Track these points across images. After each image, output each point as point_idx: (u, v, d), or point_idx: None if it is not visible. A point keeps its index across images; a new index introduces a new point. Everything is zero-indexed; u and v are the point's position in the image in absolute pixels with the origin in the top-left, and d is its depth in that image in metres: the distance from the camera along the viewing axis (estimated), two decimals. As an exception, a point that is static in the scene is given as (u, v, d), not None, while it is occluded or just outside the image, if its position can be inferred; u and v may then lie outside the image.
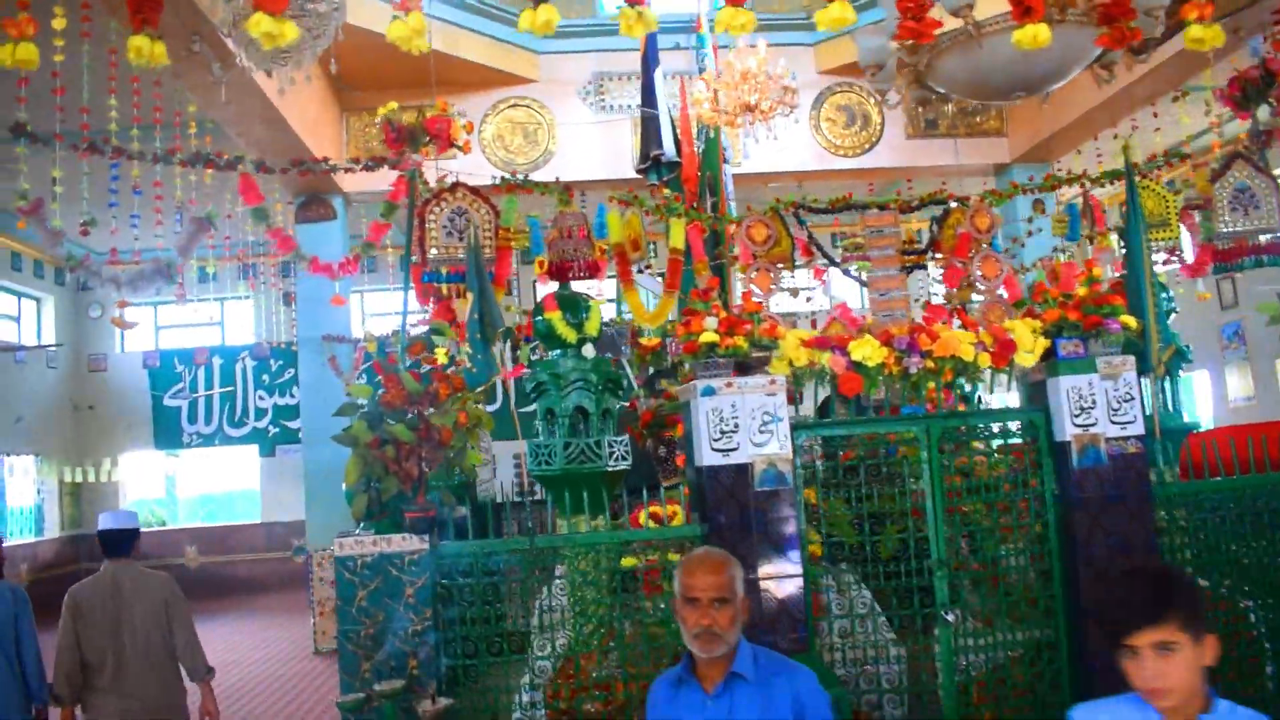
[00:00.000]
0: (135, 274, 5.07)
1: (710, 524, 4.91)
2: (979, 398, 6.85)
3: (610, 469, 5.67)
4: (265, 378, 16.20)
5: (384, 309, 16.27)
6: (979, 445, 5.59)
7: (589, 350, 5.43)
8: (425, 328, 5.39)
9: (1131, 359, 5.33)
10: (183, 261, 5.17)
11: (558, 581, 5.30)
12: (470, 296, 5.00)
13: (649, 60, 9.57)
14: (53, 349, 16.01)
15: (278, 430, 16.14)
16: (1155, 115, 10.54)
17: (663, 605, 5.34)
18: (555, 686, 4.90)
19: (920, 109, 12.50)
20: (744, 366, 4.98)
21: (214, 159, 4.98)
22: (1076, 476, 5.17)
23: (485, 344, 4.96)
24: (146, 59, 3.64)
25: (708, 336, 4.81)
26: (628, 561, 5.44)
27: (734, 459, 4.86)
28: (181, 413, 15.86)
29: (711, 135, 8.32)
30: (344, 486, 4.78)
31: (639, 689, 4.70)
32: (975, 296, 5.86)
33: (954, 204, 5.82)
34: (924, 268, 5.71)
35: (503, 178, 5.55)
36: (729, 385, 4.89)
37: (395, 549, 4.66)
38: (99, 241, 6.48)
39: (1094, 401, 5.24)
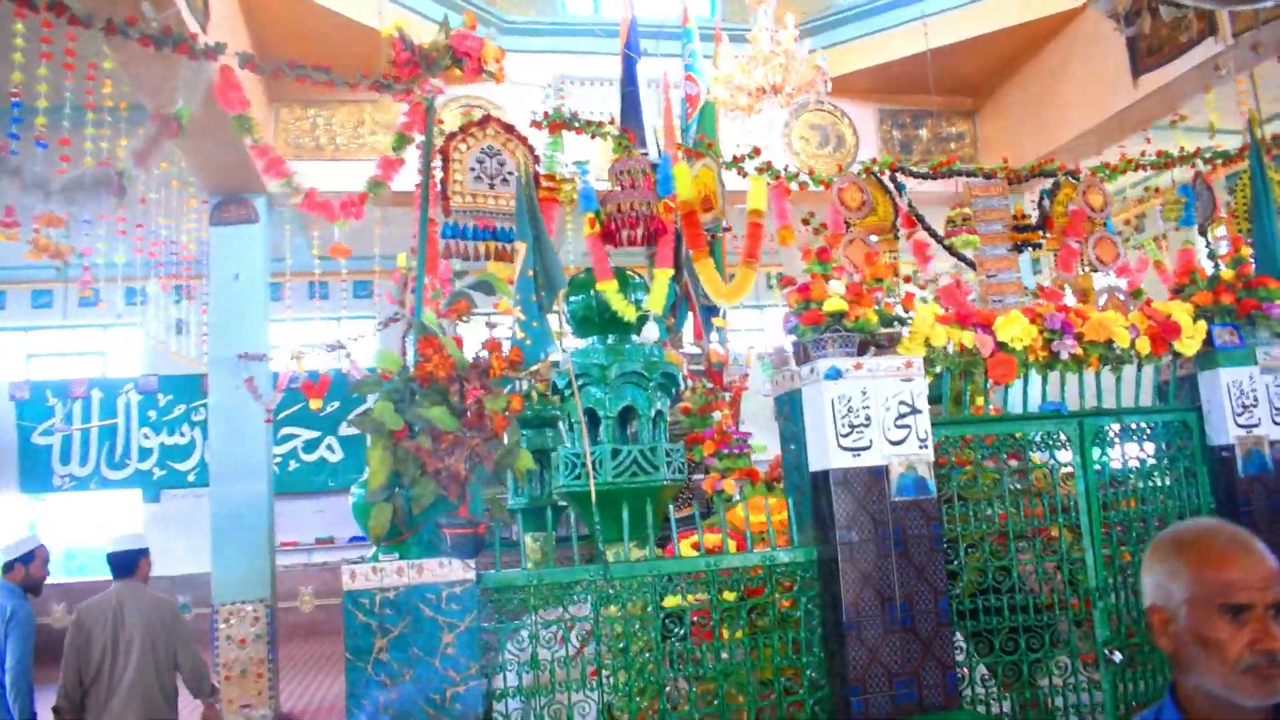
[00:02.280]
0: (73, 180, 3.71)
1: (831, 544, 3.80)
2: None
3: (668, 482, 4.54)
4: (152, 414, 14.34)
5: (305, 339, 14.63)
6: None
7: (652, 332, 4.31)
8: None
9: (1290, 350, 4.54)
10: (137, 174, 3.84)
11: (527, 633, 3.82)
12: (520, 250, 3.83)
13: (630, 51, 8.62)
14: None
15: (165, 473, 14.26)
16: (1148, 141, 10.11)
17: (725, 655, 4.25)
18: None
19: (896, 134, 11.91)
20: (864, 346, 3.95)
21: (188, 40, 3.69)
22: (1243, 486, 4.31)
23: (541, 310, 3.78)
24: None
25: (833, 304, 3.76)
26: (670, 601, 4.32)
27: (866, 460, 3.78)
28: (52, 451, 13.81)
29: (708, 112, 7.35)
30: (355, 493, 3.52)
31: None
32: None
33: (1064, 176, 4.96)
34: (1038, 246, 4.84)
35: (545, 114, 4.43)
36: (858, 366, 3.83)
37: (431, 578, 3.37)
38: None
39: (1255, 399, 4.41)
